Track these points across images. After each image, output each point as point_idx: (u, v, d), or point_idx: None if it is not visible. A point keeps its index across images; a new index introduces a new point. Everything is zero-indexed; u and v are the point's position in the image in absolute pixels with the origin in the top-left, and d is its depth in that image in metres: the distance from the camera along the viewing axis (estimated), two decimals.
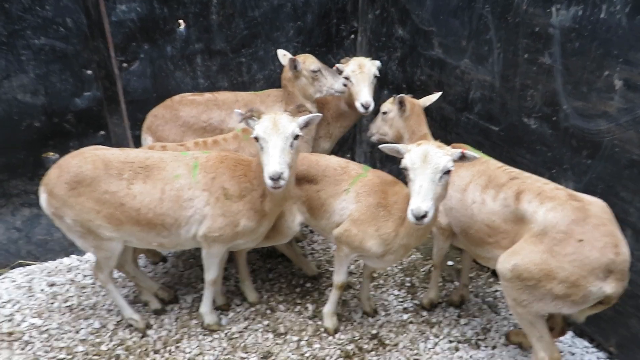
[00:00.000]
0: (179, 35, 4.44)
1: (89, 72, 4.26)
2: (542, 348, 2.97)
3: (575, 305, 2.75)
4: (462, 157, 2.83)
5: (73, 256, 4.69)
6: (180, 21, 4.39)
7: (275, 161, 2.91)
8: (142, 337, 3.77)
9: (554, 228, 2.74)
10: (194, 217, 3.34)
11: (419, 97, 3.91)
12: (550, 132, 3.55)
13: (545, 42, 3.42)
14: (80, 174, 3.28)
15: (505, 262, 2.88)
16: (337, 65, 4.19)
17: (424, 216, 2.70)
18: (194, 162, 3.38)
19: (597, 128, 3.22)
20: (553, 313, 3.15)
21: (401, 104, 3.77)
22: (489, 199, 3.14)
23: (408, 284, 4.36)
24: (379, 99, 4.95)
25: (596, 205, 2.82)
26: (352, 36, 5.22)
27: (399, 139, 3.88)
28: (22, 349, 3.66)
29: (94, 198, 3.29)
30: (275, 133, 2.95)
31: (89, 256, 4.65)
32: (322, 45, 4.99)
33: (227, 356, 3.61)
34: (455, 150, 2.84)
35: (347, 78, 4.05)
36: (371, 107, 4.04)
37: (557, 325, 3.28)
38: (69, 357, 3.60)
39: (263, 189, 3.24)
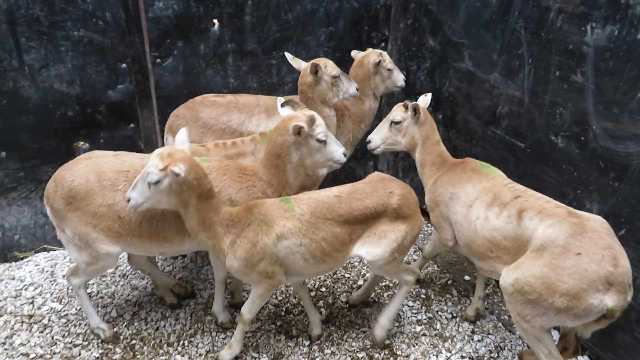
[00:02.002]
0: (213, 34, 4.52)
1: (124, 65, 4.38)
2: None
3: (578, 319, 2.76)
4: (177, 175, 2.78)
5: None
6: (215, 20, 4.48)
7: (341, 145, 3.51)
8: (157, 329, 3.83)
9: (553, 243, 2.78)
10: None
11: (446, 109, 3.89)
12: (577, 152, 3.49)
13: (577, 60, 3.37)
14: (74, 188, 3.16)
15: (507, 277, 2.93)
16: (354, 53, 4.55)
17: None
18: None
19: (627, 150, 3.16)
20: (565, 332, 3.15)
21: (415, 111, 3.73)
22: (492, 216, 3.19)
23: (423, 296, 4.33)
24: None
25: (594, 220, 2.87)
26: (383, 44, 5.23)
27: (412, 147, 3.84)
28: (41, 332, 3.76)
29: (91, 212, 3.17)
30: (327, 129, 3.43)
31: None
32: (352, 51, 5.02)
33: (239, 354, 3.64)
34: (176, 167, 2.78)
35: (389, 70, 4.41)
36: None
37: (571, 345, 3.24)
38: (85, 343, 3.68)
39: (282, 188, 3.40)
